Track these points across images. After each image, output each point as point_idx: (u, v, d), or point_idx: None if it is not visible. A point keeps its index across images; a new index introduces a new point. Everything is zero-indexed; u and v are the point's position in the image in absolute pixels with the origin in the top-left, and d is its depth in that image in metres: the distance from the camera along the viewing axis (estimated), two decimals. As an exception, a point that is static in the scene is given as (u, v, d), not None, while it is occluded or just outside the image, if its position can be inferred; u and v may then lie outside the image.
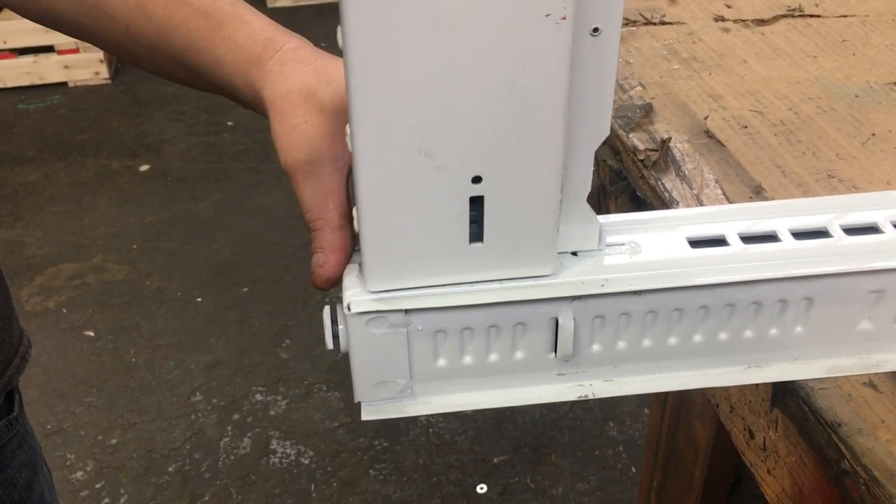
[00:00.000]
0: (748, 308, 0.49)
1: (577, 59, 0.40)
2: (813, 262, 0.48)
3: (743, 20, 1.03)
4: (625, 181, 0.80)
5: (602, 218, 0.52)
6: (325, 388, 2.15)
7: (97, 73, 3.69)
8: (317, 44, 0.56)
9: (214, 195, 2.93)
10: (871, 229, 0.51)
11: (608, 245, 0.49)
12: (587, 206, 0.46)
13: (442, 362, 0.49)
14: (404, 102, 0.39)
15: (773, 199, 0.71)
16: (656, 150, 0.77)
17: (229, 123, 3.34)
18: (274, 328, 2.34)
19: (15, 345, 0.76)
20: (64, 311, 2.43)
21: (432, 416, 2.01)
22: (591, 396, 0.51)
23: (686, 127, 0.82)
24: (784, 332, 0.50)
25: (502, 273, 0.46)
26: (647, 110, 0.83)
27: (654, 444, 1.38)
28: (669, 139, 0.78)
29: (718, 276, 0.48)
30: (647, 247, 0.49)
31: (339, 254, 0.49)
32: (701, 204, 0.71)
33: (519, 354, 0.49)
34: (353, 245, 0.50)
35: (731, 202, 0.70)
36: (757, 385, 0.61)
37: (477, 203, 0.43)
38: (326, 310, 0.48)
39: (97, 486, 1.92)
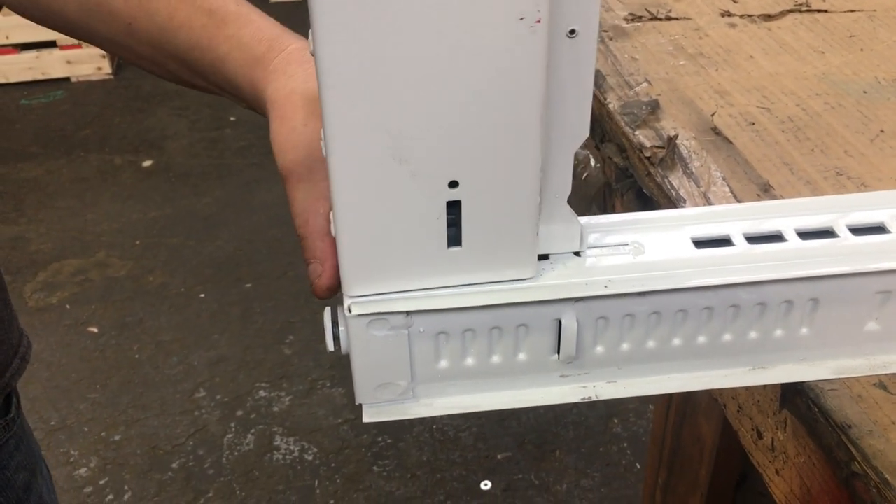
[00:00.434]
0: (753, 309, 0.48)
1: (554, 62, 0.40)
2: (819, 262, 0.48)
3: (749, 15, 1.02)
4: (631, 179, 0.79)
5: (605, 218, 0.51)
6: (328, 385, 2.15)
7: (99, 69, 3.69)
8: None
9: (217, 191, 2.93)
10: (878, 229, 0.50)
11: (611, 246, 0.48)
12: (568, 207, 0.46)
13: (444, 364, 0.48)
14: (377, 107, 0.38)
15: (781, 196, 0.70)
16: (663, 148, 0.76)
17: (232, 119, 3.34)
18: (277, 324, 2.34)
19: (14, 346, 0.75)
20: (67, 307, 2.43)
21: (436, 412, 2.00)
22: (594, 398, 0.50)
23: (693, 124, 0.81)
24: (790, 333, 0.49)
25: (482, 277, 0.45)
26: (654, 107, 0.82)
27: (659, 442, 1.37)
28: (676, 136, 0.77)
29: (723, 277, 0.47)
30: (651, 247, 0.49)
31: (333, 260, 0.48)
32: (708, 202, 0.70)
33: (522, 356, 0.49)
34: None
35: (738, 200, 0.70)
36: (765, 385, 0.60)
37: (454, 207, 0.42)
38: (327, 311, 0.48)
39: (101, 482, 1.92)
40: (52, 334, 2.33)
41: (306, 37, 0.38)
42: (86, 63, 3.66)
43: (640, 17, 1.03)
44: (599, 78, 0.89)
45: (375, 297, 0.45)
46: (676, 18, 1.02)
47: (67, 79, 3.69)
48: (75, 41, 3.59)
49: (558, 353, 0.48)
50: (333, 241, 0.49)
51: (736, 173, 0.73)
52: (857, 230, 0.50)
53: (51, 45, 3.57)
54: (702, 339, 0.49)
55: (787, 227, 0.50)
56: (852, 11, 1.02)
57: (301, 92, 0.52)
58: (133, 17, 0.57)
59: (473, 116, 0.39)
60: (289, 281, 2.48)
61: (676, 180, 0.73)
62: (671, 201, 0.71)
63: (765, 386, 0.60)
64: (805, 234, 0.49)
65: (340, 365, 2.19)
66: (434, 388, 0.50)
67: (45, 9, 0.61)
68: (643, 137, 0.78)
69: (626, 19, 1.03)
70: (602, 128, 0.85)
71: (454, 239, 0.44)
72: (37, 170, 3.10)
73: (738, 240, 0.49)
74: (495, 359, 0.49)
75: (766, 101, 0.84)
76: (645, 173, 0.76)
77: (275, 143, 0.52)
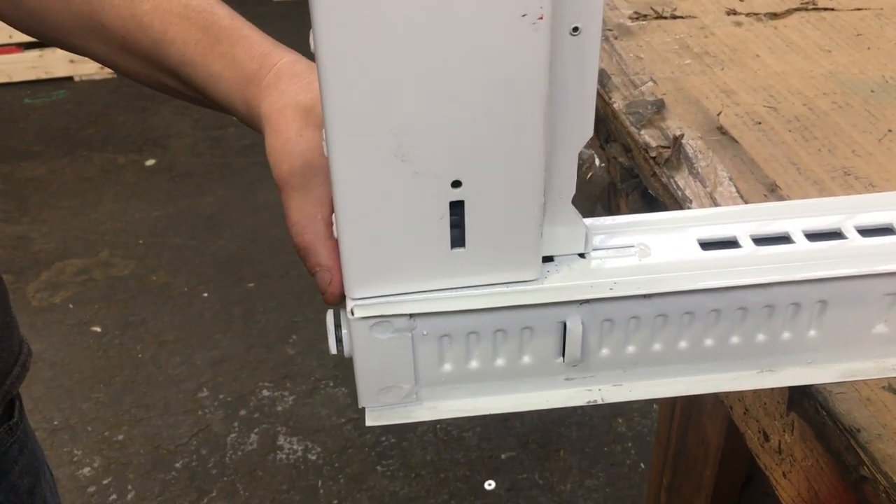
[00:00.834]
0: (761, 311, 0.48)
1: (557, 59, 0.39)
2: (827, 264, 0.47)
3: (755, 14, 1.02)
4: (636, 179, 0.78)
5: (610, 219, 0.50)
6: (332, 384, 2.15)
7: (103, 68, 3.69)
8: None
9: (220, 190, 2.93)
10: (887, 230, 0.49)
11: (617, 247, 0.48)
12: (573, 208, 0.45)
13: (448, 367, 0.48)
14: (379, 106, 0.38)
15: (788, 197, 0.69)
16: (668, 147, 0.76)
17: (235, 118, 3.33)
18: (280, 324, 2.33)
19: (15, 353, 0.75)
20: (70, 306, 2.43)
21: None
22: (599, 401, 0.50)
23: (699, 123, 0.80)
24: (797, 335, 0.49)
25: (485, 279, 0.45)
26: (659, 106, 0.82)
27: (664, 442, 1.37)
28: (682, 136, 0.76)
29: (730, 279, 0.46)
30: (658, 249, 0.48)
31: (339, 264, 0.48)
32: (714, 202, 0.69)
33: (526, 359, 0.48)
34: None
35: (745, 200, 0.69)
36: (772, 388, 0.60)
37: (458, 207, 0.42)
38: (330, 314, 0.47)
39: (104, 482, 1.92)
40: (55, 334, 2.32)
41: (308, 36, 0.38)
42: (89, 62, 3.66)
43: (646, 15, 1.02)
44: (604, 77, 0.88)
45: (378, 300, 0.45)
46: (682, 17, 1.02)
47: (71, 78, 3.69)
48: (79, 40, 3.59)
49: (563, 355, 0.48)
50: (336, 246, 0.48)
51: (742, 173, 0.73)
52: (865, 231, 0.49)
53: (54, 44, 3.57)
54: (709, 342, 0.49)
55: (795, 228, 0.49)
56: (859, 10, 1.01)
57: (293, 105, 0.52)
58: (127, 31, 0.57)
59: (476, 115, 0.39)
60: (292, 280, 2.48)
61: (682, 180, 0.72)
62: (677, 202, 0.71)
63: (772, 388, 0.60)
64: (813, 236, 0.49)
65: (344, 364, 2.19)
66: (438, 391, 0.49)
67: (41, 21, 0.61)
68: (648, 137, 0.78)
69: (631, 18, 1.02)
70: (607, 127, 0.85)
71: (458, 240, 0.43)
72: (40, 169, 3.10)
73: (745, 241, 0.48)
74: (499, 362, 0.48)
75: (773, 101, 0.84)
76: (650, 173, 0.75)
77: (270, 156, 0.52)
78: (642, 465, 1.93)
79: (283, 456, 1.97)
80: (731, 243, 0.49)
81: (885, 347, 0.50)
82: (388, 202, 0.41)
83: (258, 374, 2.19)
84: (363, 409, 0.50)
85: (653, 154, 0.75)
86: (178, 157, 3.15)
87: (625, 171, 0.79)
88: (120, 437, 2.03)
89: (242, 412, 2.08)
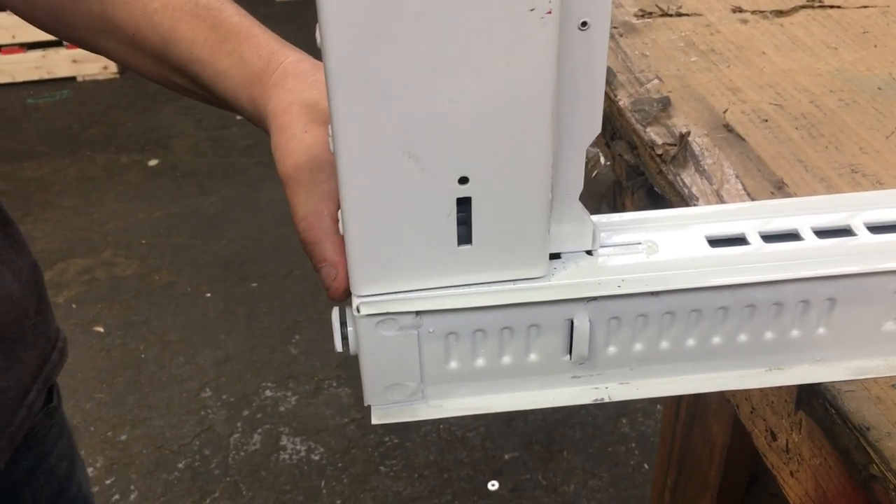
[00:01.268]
0: (769, 309, 0.47)
1: (565, 54, 0.39)
2: (836, 261, 0.47)
3: (761, 11, 1.01)
4: (642, 176, 0.78)
5: (618, 216, 0.50)
6: (335, 384, 2.14)
7: (106, 68, 3.69)
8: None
9: (223, 190, 2.93)
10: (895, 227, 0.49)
11: (624, 244, 0.47)
12: (580, 205, 0.45)
13: (454, 365, 0.48)
14: (386, 103, 0.37)
15: (795, 194, 0.69)
16: (674, 145, 0.75)
17: (238, 118, 3.32)
18: (283, 324, 2.33)
19: (52, 340, 0.76)
20: (73, 306, 2.43)
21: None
22: (606, 399, 0.49)
23: (705, 121, 0.80)
24: (806, 333, 0.48)
25: (492, 276, 0.44)
26: (665, 104, 0.81)
27: (669, 442, 1.36)
28: (688, 133, 0.76)
29: (738, 277, 0.46)
30: (665, 246, 0.48)
31: (346, 260, 0.48)
32: (721, 200, 0.69)
33: (533, 356, 0.48)
34: None
35: (752, 198, 0.69)
36: (780, 386, 0.59)
37: (465, 204, 0.41)
38: (335, 311, 0.47)
39: (107, 482, 1.92)
40: (58, 333, 2.32)
41: (311, 35, 0.37)
42: (92, 62, 3.66)
43: (651, 13, 1.02)
44: (610, 75, 0.88)
45: (384, 297, 0.45)
46: (687, 14, 1.01)
47: (74, 78, 3.69)
48: (82, 40, 3.59)
49: (570, 353, 0.48)
50: (342, 242, 0.48)
51: (749, 171, 0.72)
52: (874, 228, 0.49)
53: (57, 44, 3.58)
54: (717, 340, 0.48)
55: (804, 225, 0.49)
56: (865, 7, 1.01)
57: (299, 103, 0.53)
58: (137, 28, 0.58)
59: (483, 110, 0.39)
60: (295, 280, 2.48)
61: (689, 178, 0.72)
62: (683, 199, 0.70)
63: (780, 387, 0.59)
64: (821, 233, 0.48)
65: (347, 364, 2.18)
66: (444, 389, 0.49)
67: (54, 17, 0.62)
68: (654, 135, 0.77)
69: (636, 15, 1.01)
70: (612, 125, 0.85)
71: (464, 237, 0.43)
72: (43, 169, 3.10)
73: (754, 238, 0.48)
74: (506, 359, 0.48)
75: (779, 98, 0.83)
76: (656, 171, 0.75)
77: (276, 152, 0.52)
78: (646, 466, 1.92)
79: (287, 456, 1.97)
80: (740, 240, 0.48)
81: (895, 345, 0.49)
82: (394, 199, 0.41)
83: (261, 374, 2.18)
84: (369, 407, 0.49)
85: (659, 152, 0.75)
86: (181, 156, 3.15)
87: (630, 169, 0.79)
88: (123, 437, 2.03)
89: (245, 412, 2.08)
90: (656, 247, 0.48)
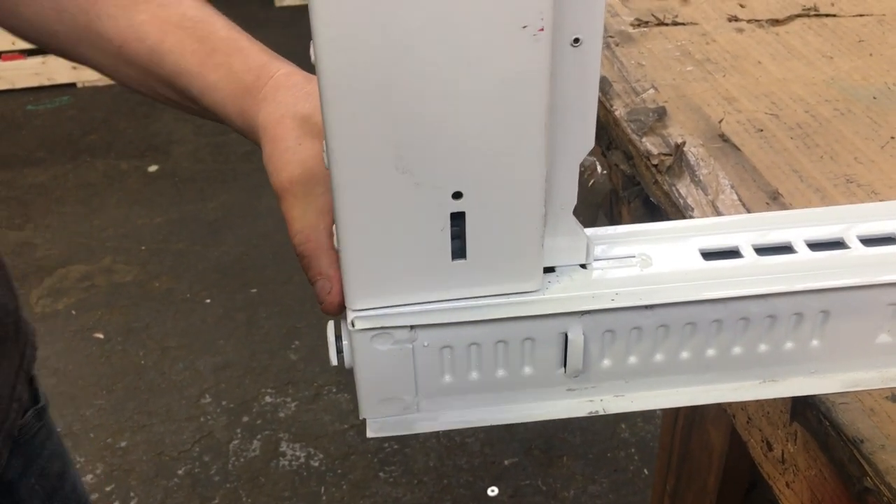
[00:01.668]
0: (763, 321, 0.48)
1: (558, 71, 0.39)
2: (829, 274, 0.47)
3: (757, 20, 1.02)
4: (638, 187, 0.78)
5: (612, 229, 0.50)
6: (334, 390, 2.14)
7: (107, 74, 3.69)
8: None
9: (223, 196, 2.93)
10: (890, 240, 0.49)
11: (618, 258, 0.48)
12: (574, 219, 0.45)
13: (448, 378, 0.48)
14: (380, 118, 0.38)
15: (790, 204, 0.69)
16: (670, 155, 0.75)
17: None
18: (283, 330, 2.33)
19: (27, 334, 0.78)
20: (73, 312, 2.43)
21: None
22: (601, 412, 0.49)
23: (700, 130, 0.80)
24: (800, 345, 0.49)
25: (486, 290, 0.45)
26: (661, 114, 0.82)
27: (668, 449, 1.37)
28: (683, 143, 0.76)
29: (732, 290, 0.46)
30: (659, 259, 0.48)
31: (341, 275, 0.48)
32: (716, 210, 0.69)
33: (528, 370, 0.48)
34: None
35: (747, 208, 0.69)
36: (775, 397, 0.60)
37: (459, 219, 0.42)
38: (330, 325, 0.47)
39: (107, 489, 1.92)
40: (58, 340, 2.32)
41: (310, 43, 0.37)
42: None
43: (647, 22, 1.02)
44: (606, 84, 0.88)
45: (379, 311, 0.45)
46: (683, 24, 1.02)
47: (74, 84, 3.70)
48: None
49: (565, 366, 0.48)
50: (338, 256, 0.48)
51: (744, 181, 0.73)
52: (867, 241, 0.49)
53: (57, 50, 3.58)
54: (711, 353, 0.49)
55: (797, 238, 0.49)
56: (861, 16, 1.01)
57: (291, 115, 0.52)
58: (124, 40, 0.58)
59: (477, 126, 0.39)
60: (295, 286, 2.48)
61: (684, 188, 0.72)
62: (679, 210, 0.71)
63: (775, 398, 0.59)
64: (815, 245, 0.49)
65: (346, 370, 2.17)
66: (439, 402, 0.49)
67: (38, 28, 0.61)
68: (650, 145, 0.77)
69: (632, 25, 1.02)
70: (608, 135, 0.85)
71: (458, 251, 0.43)
72: (43, 175, 3.10)
73: (747, 251, 0.48)
74: (501, 373, 0.48)
75: (775, 108, 0.83)
76: (652, 181, 0.75)
77: (269, 165, 0.52)
78: (646, 472, 1.92)
79: (286, 462, 1.97)
80: (733, 253, 0.48)
81: (889, 357, 0.50)
82: (388, 214, 0.41)
83: (261, 381, 2.18)
84: (364, 419, 0.50)
85: (654, 162, 0.75)
86: (180, 163, 3.15)
87: (626, 179, 0.79)
88: (123, 444, 2.03)
89: (245, 418, 2.08)
90: (650, 260, 0.48)
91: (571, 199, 0.44)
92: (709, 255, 0.48)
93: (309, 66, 0.50)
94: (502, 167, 0.40)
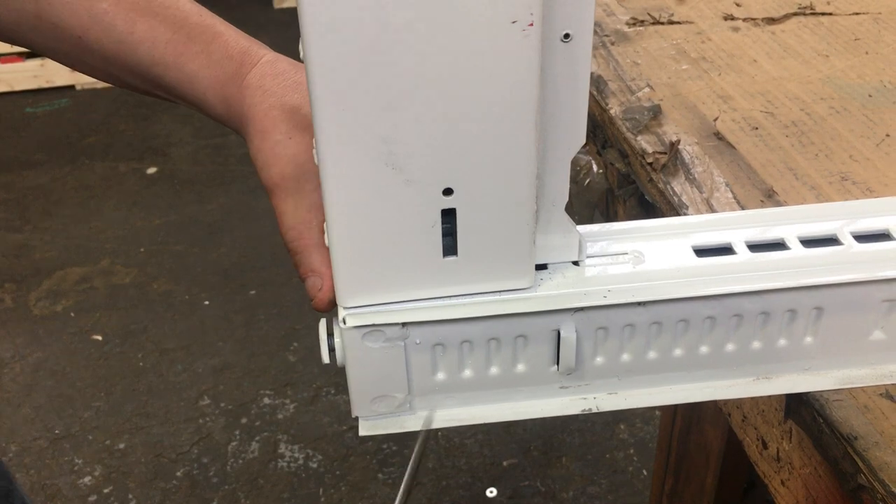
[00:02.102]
0: (756, 318, 0.47)
1: (549, 66, 0.39)
2: (823, 270, 0.47)
3: (753, 19, 1.01)
4: (633, 185, 0.78)
5: (604, 226, 0.50)
6: (333, 392, 2.14)
7: (105, 76, 3.69)
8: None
9: (222, 198, 2.93)
10: (883, 236, 0.49)
11: (611, 255, 0.48)
12: (566, 216, 0.45)
13: (441, 376, 0.48)
14: (369, 114, 0.38)
15: (785, 202, 0.69)
16: (665, 153, 0.75)
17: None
18: (282, 331, 2.33)
19: None
20: (72, 314, 2.43)
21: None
22: (594, 410, 0.49)
23: (695, 129, 0.80)
24: (794, 342, 0.49)
25: (478, 287, 0.44)
26: (656, 112, 0.82)
27: (666, 449, 1.36)
28: (678, 141, 0.76)
29: (725, 287, 0.46)
30: (652, 256, 0.48)
31: (331, 270, 0.48)
32: (711, 208, 0.69)
33: (520, 367, 0.48)
34: None
35: (742, 206, 0.69)
36: (769, 395, 0.60)
37: (450, 215, 0.41)
38: (322, 323, 0.47)
39: (105, 490, 1.91)
40: (56, 342, 2.32)
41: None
42: (90, 71, 3.66)
43: (643, 21, 1.02)
44: (601, 83, 0.88)
45: (370, 309, 0.45)
46: (679, 22, 1.02)
47: (72, 86, 3.70)
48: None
49: (558, 364, 0.48)
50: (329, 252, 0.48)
51: (739, 179, 0.72)
52: (861, 237, 0.49)
53: (56, 52, 3.58)
54: (704, 350, 0.48)
55: (790, 234, 0.49)
56: (857, 14, 1.01)
57: (279, 106, 0.51)
58: (84, 30, 0.55)
59: (467, 122, 0.39)
60: (293, 288, 2.47)
61: (679, 186, 0.72)
62: (674, 208, 0.70)
63: (769, 396, 0.59)
64: (808, 242, 0.49)
65: (345, 372, 2.18)
66: (431, 400, 0.49)
67: None
68: (645, 143, 0.77)
69: (628, 24, 1.02)
70: (604, 133, 0.85)
71: (450, 248, 0.43)
72: (42, 177, 3.10)
73: (740, 248, 0.48)
74: (493, 370, 0.48)
75: (770, 106, 0.83)
76: (647, 179, 0.75)
77: (258, 159, 0.51)
78: (644, 472, 1.92)
79: (285, 464, 1.97)
80: (726, 250, 0.48)
81: (882, 354, 0.50)
82: (379, 210, 0.41)
83: (259, 382, 2.18)
84: (356, 418, 0.49)
85: (649, 160, 0.75)
86: (179, 165, 3.15)
87: (622, 177, 0.79)
88: (121, 446, 2.03)
89: (244, 420, 2.08)
90: (643, 257, 0.48)
91: (563, 195, 0.44)
92: (702, 251, 0.48)
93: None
94: (493, 163, 0.40)
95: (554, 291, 0.46)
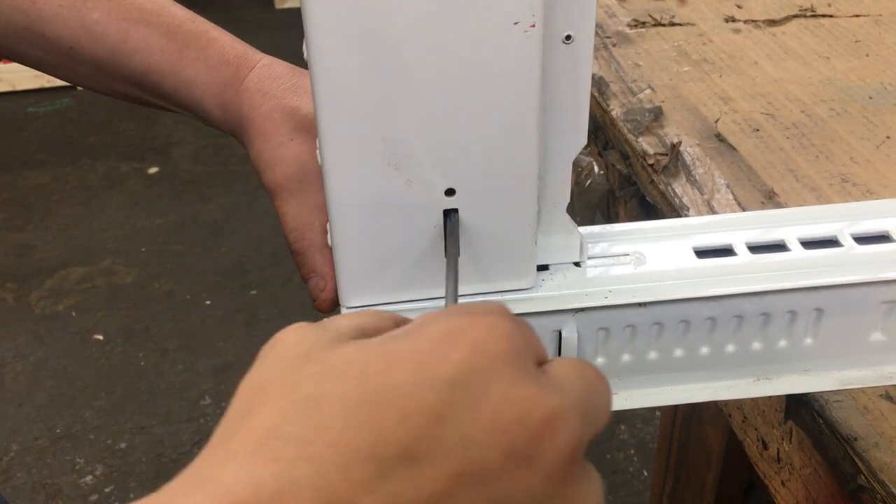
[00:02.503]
0: (756, 319, 0.48)
1: (550, 68, 0.39)
2: (823, 272, 0.47)
3: (754, 21, 1.02)
4: (634, 186, 0.78)
5: (606, 227, 0.50)
6: (334, 392, 2.14)
7: (107, 76, 3.69)
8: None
9: (223, 198, 2.93)
10: (883, 238, 0.49)
11: (612, 256, 0.48)
12: (567, 217, 0.45)
13: (442, 377, 0.48)
14: (373, 115, 0.38)
15: (785, 204, 0.69)
16: (666, 155, 0.75)
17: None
18: (283, 331, 2.33)
19: None
20: (73, 314, 2.43)
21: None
22: (596, 410, 0.49)
23: (696, 130, 0.80)
24: (794, 343, 0.49)
25: (479, 287, 0.45)
26: (657, 114, 0.82)
27: (666, 450, 1.37)
28: (679, 143, 0.76)
29: (726, 288, 0.46)
30: (653, 257, 0.48)
31: (335, 272, 0.48)
32: (712, 209, 0.69)
33: (521, 368, 0.48)
34: None
35: (742, 207, 0.69)
36: (769, 396, 0.60)
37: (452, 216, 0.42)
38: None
39: (106, 490, 1.92)
40: (57, 342, 2.33)
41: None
42: (92, 70, 3.67)
43: (644, 22, 1.02)
44: (602, 85, 0.88)
45: (372, 309, 0.45)
46: (680, 24, 1.02)
47: (74, 87, 3.70)
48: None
49: (558, 364, 0.48)
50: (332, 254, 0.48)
51: (740, 180, 0.73)
52: (861, 239, 0.49)
53: (57, 52, 3.58)
54: (704, 350, 0.49)
55: (791, 236, 0.49)
56: (858, 16, 1.01)
57: (280, 109, 0.51)
58: (76, 41, 0.54)
59: (469, 123, 0.39)
60: (294, 288, 2.48)
61: (680, 188, 0.72)
62: (674, 209, 0.71)
63: (769, 397, 0.59)
64: (809, 244, 0.49)
65: (346, 372, 2.18)
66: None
67: None
68: (646, 145, 0.78)
69: (629, 25, 1.02)
70: (605, 135, 0.85)
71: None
72: (43, 177, 3.10)
73: (741, 249, 0.48)
74: (494, 371, 0.48)
75: (771, 108, 0.84)
76: (648, 181, 0.75)
77: (259, 161, 0.51)
78: (645, 473, 1.92)
79: (286, 464, 1.97)
80: (727, 251, 0.49)
81: (882, 355, 0.50)
82: (381, 211, 0.41)
83: (260, 382, 2.18)
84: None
85: (650, 161, 0.75)
86: (180, 165, 3.15)
87: (623, 179, 0.79)
88: (122, 446, 2.03)
89: (244, 420, 2.08)
90: (644, 258, 0.48)
91: (565, 196, 0.45)
92: (702, 253, 0.48)
93: (301, 62, 0.50)
94: (495, 164, 0.41)
95: (555, 292, 0.46)
